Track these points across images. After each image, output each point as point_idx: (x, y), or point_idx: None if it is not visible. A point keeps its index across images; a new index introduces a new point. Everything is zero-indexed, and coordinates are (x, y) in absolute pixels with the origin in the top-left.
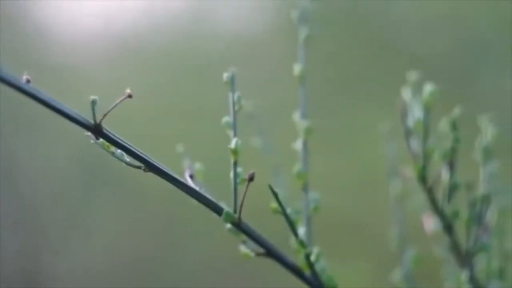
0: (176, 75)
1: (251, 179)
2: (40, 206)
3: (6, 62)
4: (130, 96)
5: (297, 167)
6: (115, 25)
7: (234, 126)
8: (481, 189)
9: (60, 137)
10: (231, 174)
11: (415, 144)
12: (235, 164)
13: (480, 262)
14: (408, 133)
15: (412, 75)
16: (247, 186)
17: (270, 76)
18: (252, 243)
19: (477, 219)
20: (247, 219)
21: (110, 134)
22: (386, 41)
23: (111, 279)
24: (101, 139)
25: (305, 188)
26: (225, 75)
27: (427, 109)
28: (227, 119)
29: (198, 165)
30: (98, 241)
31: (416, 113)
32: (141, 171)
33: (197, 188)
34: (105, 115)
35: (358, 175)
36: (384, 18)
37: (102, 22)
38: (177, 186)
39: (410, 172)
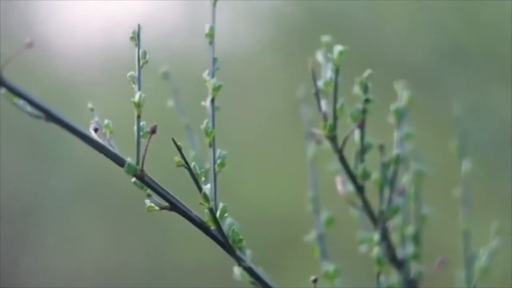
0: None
1: (153, 131)
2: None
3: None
4: (30, 44)
5: (205, 124)
6: (115, 41)
7: (138, 80)
8: (394, 151)
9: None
10: (135, 128)
11: (325, 104)
12: (139, 117)
13: (396, 226)
14: (318, 93)
15: (325, 38)
16: (149, 139)
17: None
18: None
19: (389, 181)
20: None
21: (11, 83)
22: (369, 51)
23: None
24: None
25: (212, 145)
26: (132, 31)
27: (337, 68)
28: (132, 73)
29: (106, 121)
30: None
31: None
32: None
33: (99, 140)
34: (5, 63)
35: None
36: (367, 28)
37: (101, 38)
38: (80, 138)
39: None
